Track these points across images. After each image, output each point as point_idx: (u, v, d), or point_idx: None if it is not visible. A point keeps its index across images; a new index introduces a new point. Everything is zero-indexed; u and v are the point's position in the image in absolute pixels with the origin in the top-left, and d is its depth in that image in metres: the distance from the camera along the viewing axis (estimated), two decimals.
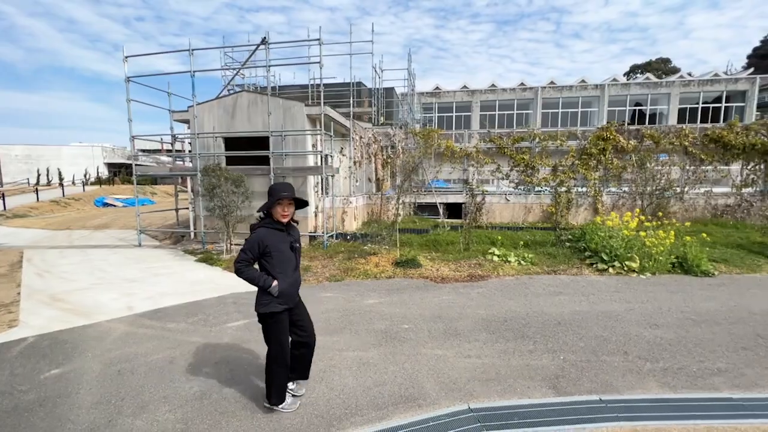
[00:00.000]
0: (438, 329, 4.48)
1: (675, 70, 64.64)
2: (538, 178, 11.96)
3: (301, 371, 3.01)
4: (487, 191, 12.59)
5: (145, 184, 33.02)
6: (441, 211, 11.61)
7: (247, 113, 9.62)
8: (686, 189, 11.40)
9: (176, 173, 10.60)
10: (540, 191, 12.17)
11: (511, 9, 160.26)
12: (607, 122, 13.44)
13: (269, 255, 2.66)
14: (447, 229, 10.79)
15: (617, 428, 2.70)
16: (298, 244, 2.85)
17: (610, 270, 6.97)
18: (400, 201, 13.44)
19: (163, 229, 11.25)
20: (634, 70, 67.11)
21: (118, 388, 3.27)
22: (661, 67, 62.71)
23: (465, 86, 34.33)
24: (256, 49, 9.60)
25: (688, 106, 31.09)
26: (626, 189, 11.61)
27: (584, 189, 11.71)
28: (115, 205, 24.13)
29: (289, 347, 2.85)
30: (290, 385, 3.02)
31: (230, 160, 9.99)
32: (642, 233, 7.29)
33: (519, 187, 12.27)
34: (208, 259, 7.98)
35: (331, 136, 9.42)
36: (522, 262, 7.67)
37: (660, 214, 11.55)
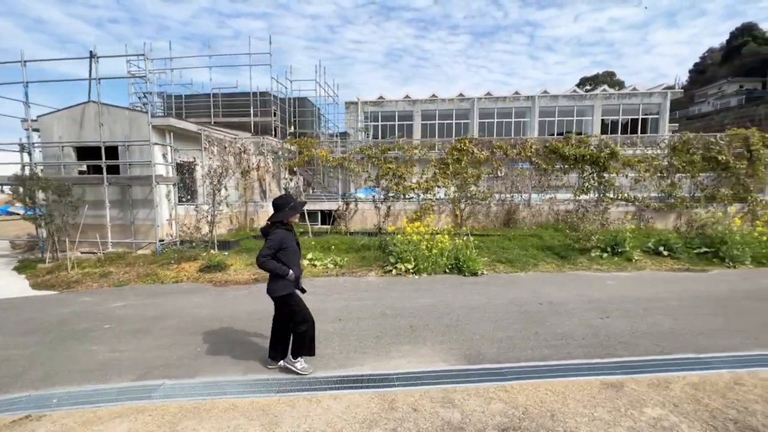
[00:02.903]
0: (140, 328, 4.95)
1: (620, 83, 68.00)
2: (404, 186, 12.70)
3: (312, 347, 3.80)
4: (360, 198, 13.27)
5: None
6: (306, 218, 12.15)
7: (94, 123, 9.89)
8: (532, 196, 12.39)
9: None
10: (410, 198, 12.90)
11: (488, 21, 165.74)
12: (478, 133, 14.27)
13: (285, 249, 3.52)
14: (310, 236, 11.30)
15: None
16: (298, 241, 3.80)
17: (393, 271, 7.64)
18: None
19: (29, 239, 11.30)
20: (584, 82, 70.47)
21: None
22: (607, 80, 66.01)
23: (407, 96, 35.19)
24: (95, 61, 9.86)
25: (610, 117, 32.93)
26: (479, 197, 12.51)
27: (445, 197, 12.51)
28: None
29: (309, 311, 3.69)
30: (299, 364, 3.69)
31: (87, 170, 10.22)
32: (427, 237, 8.01)
33: (388, 195, 12.97)
34: (26, 267, 8.19)
35: (172, 146, 9.80)
36: (330, 265, 8.25)
37: (507, 219, 12.52)
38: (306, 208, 13.26)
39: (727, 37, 68.10)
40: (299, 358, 3.70)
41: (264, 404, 3.19)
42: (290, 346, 3.74)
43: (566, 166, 12.07)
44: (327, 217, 13.49)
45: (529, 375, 3.62)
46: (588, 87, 52.14)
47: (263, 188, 13.84)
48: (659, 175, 11.78)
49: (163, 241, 9.75)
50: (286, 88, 18.23)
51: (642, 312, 5.35)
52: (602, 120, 32.71)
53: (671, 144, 11.69)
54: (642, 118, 32.31)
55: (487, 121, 34.04)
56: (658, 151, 11.83)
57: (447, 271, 7.73)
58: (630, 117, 32.66)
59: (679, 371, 3.66)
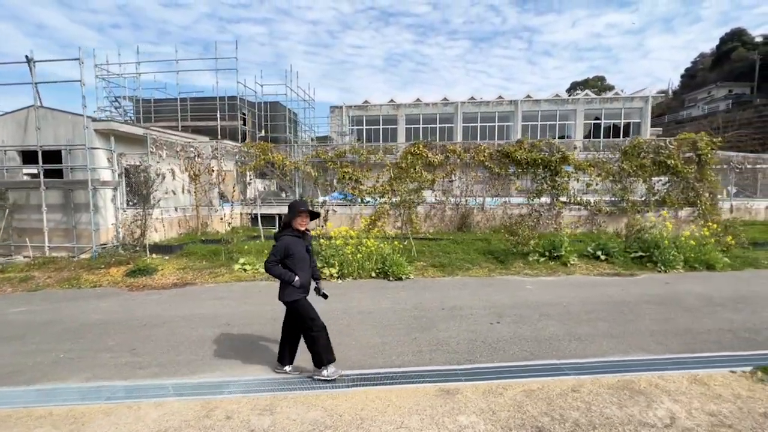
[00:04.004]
0: (17, 333, 4.92)
1: (610, 87, 68.43)
2: (360, 190, 12.69)
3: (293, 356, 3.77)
4: (317, 201, 13.26)
5: None
6: (260, 222, 12.14)
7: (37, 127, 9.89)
8: (487, 200, 12.38)
9: None
10: (367, 202, 12.89)
11: (487, 27, 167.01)
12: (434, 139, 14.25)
13: (292, 256, 3.46)
14: (261, 240, 11.27)
15: None
16: (310, 247, 3.70)
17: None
18: (238, 212, 13.92)
19: None
20: (575, 86, 70.82)
21: None
22: (597, 85, 66.47)
23: (392, 100, 35.31)
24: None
25: (593, 121, 33.03)
26: (434, 200, 12.51)
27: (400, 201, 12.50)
28: None
29: (319, 317, 3.60)
30: (325, 372, 3.59)
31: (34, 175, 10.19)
32: (353, 241, 7.98)
33: (346, 199, 12.96)
34: None
35: (113, 150, 9.79)
36: (262, 270, 8.20)
37: (464, 223, 12.50)
38: (262, 212, 13.27)
39: (717, 42, 68.56)
40: (324, 367, 3.57)
41: (80, 412, 3.16)
42: (311, 357, 3.63)
43: (519, 171, 12.08)
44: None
45: (372, 382, 3.58)
46: (578, 91, 52.42)
47: (222, 192, 13.84)
48: (611, 179, 11.78)
49: (105, 245, 9.72)
50: (255, 92, 18.28)
51: (537, 317, 5.32)
52: (585, 124, 32.80)
53: (622, 148, 11.70)
54: (624, 123, 32.42)
55: (470, 125, 34.13)
56: (610, 156, 11.84)
57: (374, 275, 7.70)
58: (612, 121, 32.80)
59: (525, 378, 3.62)
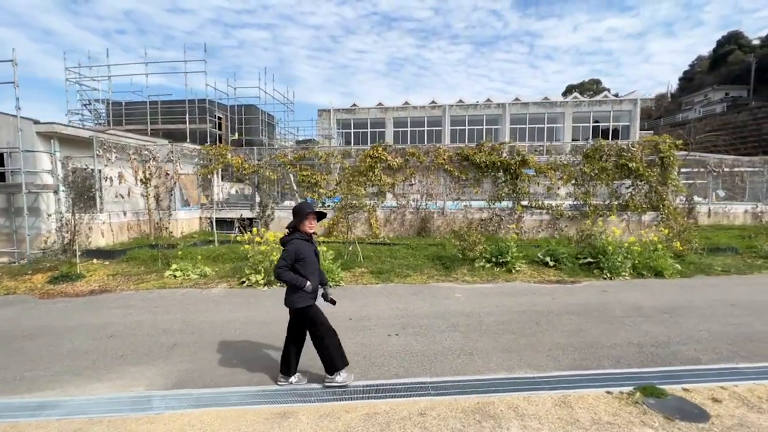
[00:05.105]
0: None
1: (605, 90, 68.04)
2: (319, 194, 12.43)
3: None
4: (275, 206, 13.00)
5: None
6: (213, 227, 11.91)
7: None
8: (448, 204, 12.07)
9: None
10: (328, 206, 12.61)
11: (488, 32, 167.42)
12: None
13: (302, 260, 3.36)
14: (215, 245, 11.01)
15: None
16: (318, 251, 3.64)
17: (245, 283, 7.33)
18: (198, 216, 13.68)
19: None
20: (570, 89, 70.58)
21: None
22: (593, 88, 66.21)
23: (380, 103, 35.19)
24: None
25: (581, 124, 32.70)
26: (395, 204, 12.21)
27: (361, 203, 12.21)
28: None
29: (328, 321, 3.48)
30: (339, 378, 3.47)
31: None
32: (276, 247, 7.68)
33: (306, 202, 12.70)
34: None
35: (53, 153, 9.58)
36: (194, 276, 7.95)
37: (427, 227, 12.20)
38: (221, 216, 13.03)
39: (714, 45, 68.12)
40: (336, 373, 3.46)
41: None
42: (323, 364, 3.49)
43: (479, 174, 11.78)
44: (250, 225, 13.21)
45: (194, 405, 3.27)
46: (575, 94, 52.16)
47: (184, 196, 13.62)
48: (573, 182, 11.45)
49: (46, 250, 9.48)
50: (227, 95, 18.12)
51: (443, 329, 5.00)
52: (573, 127, 32.48)
53: (584, 151, 11.38)
54: (613, 126, 32.11)
55: (458, 128, 33.93)
56: (572, 159, 11.52)
57: None
58: (601, 124, 32.49)
59: (379, 399, 3.31)
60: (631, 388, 3.42)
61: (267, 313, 5.72)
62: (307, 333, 3.53)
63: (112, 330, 5.05)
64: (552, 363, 4.01)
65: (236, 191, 18.50)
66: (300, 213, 3.44)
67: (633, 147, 11.05)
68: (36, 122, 9.64)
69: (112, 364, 4.08)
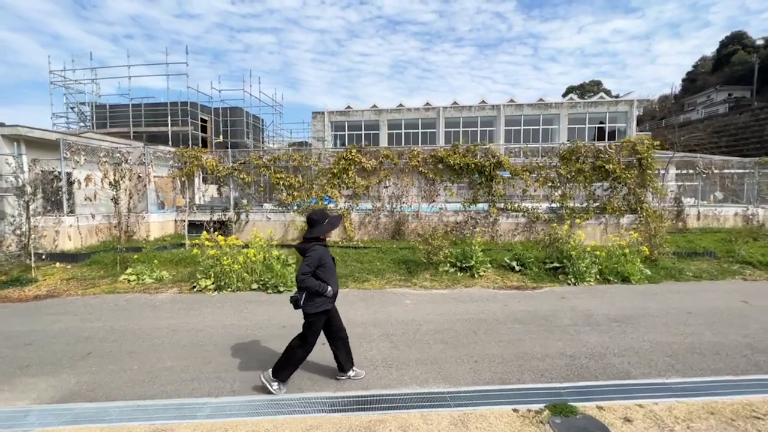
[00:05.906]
0: None
1: (606, 92, 67.54)
2: (294, 197, 12.26)
3: (350, 358, 3.80)
4: (250, 209, 12.87)
5: None
6: (185, 230, 11.77)
7: None
8: (423, 207, 11.84)
9: None
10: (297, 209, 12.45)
11: (492, 34, 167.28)
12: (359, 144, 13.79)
13: (324, 266, 3.45)
14: (185, 248, 10.88)
15: None
16: (333, 256, 3.72)
17: (196, 288, 7.16)
18: (173, 219, 13.57)
19: None
20: (570, 91, 70.10)
21: None
22: (593, 89, 65.65)
23: (374, 105, 35.07)
24: None
25: (577, 126, 32.33)
26: (370, 207, 12.01)
27: (338, 207, 12.02)
28: None
29: (315, 341, 3.59)
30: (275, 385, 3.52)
31: None
32: (234, 251, 7.52)
33: (280, 206, 12.53)
34: None
35: (15, 156, 9.52)
36: (148, 281, 7.80)
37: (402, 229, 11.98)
38: (193, 218, 12.90)
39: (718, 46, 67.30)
40: (274, 380, 3.50)
41: None
42: (276, 363, 3.57)
43: (454, 177, 11.54)
44: (222, 228, 13.07)
45: (84, 419, 3.09)
46: (574, 95, 51.72)
47: (159, 198, 13.53)
48: (550, 185, 11.17)
49: (12, 254, 9.39)
50: (210, 97, 18.07)
51: (375, 338, 4.79)
52: (569, 128, 32.11)
53: (559, 153, 11.11)
54: (609, 127, 31.73)
55: (453, 130, 33.71)
56: (548, 161, 11.25)
57: (255, 288, 7.21)
58: (596, 126, 32.13)
59: (261, 416, 3.10)
60: (541, 405, 3.18)
61: (203, 320, 5.54)
62: (331, 328, 3.68)
63: (32, 338, 4.89)
64: (470, 376, 3.78)
65: (222, 194, 18.41)
66: (322, 223, 3.50)
67: (610, 148, 10.75)
68: (1, 125, 9.60)
69: (11, 375, 3.91)
